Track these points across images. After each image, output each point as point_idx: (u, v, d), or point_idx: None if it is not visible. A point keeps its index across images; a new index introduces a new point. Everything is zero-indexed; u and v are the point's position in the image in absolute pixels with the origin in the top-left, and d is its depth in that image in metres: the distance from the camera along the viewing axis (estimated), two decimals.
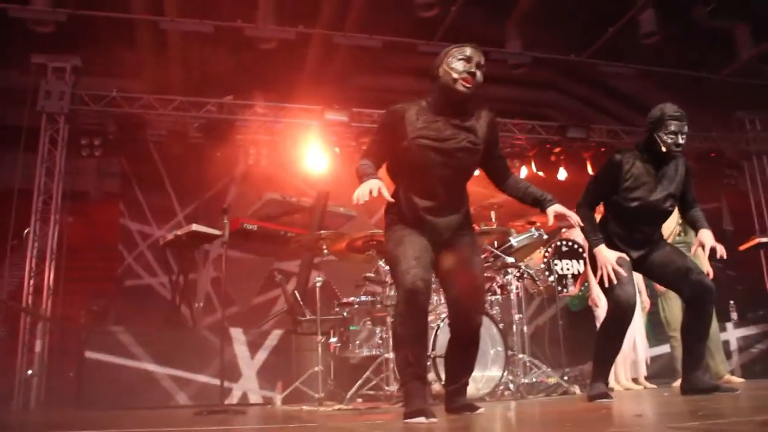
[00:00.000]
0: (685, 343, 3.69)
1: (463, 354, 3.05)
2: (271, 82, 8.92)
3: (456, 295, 2.98)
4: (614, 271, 3.51)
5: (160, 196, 8.25)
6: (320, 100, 8.24)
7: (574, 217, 3.14)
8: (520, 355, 5.02)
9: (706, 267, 5.68)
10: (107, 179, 8.78)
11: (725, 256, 3.62)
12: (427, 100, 2.97)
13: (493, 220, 6.00)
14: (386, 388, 4.78)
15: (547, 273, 5.63)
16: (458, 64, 2.85)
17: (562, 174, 8.76)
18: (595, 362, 3.70)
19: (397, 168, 3.03)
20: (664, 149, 3.52)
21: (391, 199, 2.83)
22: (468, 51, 2.89)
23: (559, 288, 5.82)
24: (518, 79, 9.68)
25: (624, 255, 3.58)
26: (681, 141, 3.52)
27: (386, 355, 4.83)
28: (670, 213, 3.74)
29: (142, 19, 7.94)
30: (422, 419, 2.59)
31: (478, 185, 8.74)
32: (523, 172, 8.75)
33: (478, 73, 2.87)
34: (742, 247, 7.70)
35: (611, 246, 3.64)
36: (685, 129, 3.53)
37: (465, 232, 3.06)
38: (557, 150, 8.77)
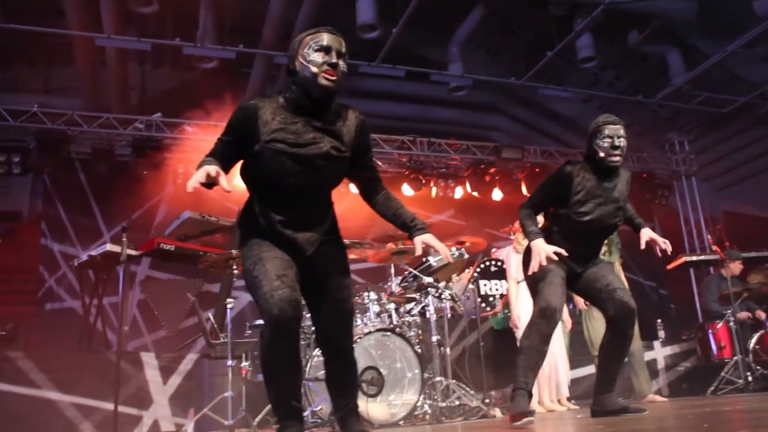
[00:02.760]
0: (601, 362, 3.62)
1: (339, 377, 2.77)
2: (213, 102, 8.79)
3: (323, 322, 2.70)
4: (546, 274, 3.37)
5: (85, 215, 7.99)
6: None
7: (444, 251, 2.76)
8: (438, 378, 4.90)
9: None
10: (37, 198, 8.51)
11: (669, 250, 3.58)
12: (285, 97, 2.57)
13: None
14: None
15: (470, 295, 5.53)
16: (316, 55, 2.49)
17: (497, 194, 8.78)
18: (519, 370, 3.40)
19: (250, 175, 2.64)
20: (602, 155, 3.46)
21: (229, 188, 2.40)
22: (325, 39, 2.53)
23: (484, 306, 5.75)
24: (460, 102, 9.77)
25: (562, 251, 3.39)
26: (618, 144, 3.45)
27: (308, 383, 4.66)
28: (617, 227, 3.67)
29: (76, 35, 7.75)
30: None
31: (410, 205, 8.69)
32: (458, 192, 8.74)
33: (341, 64, 2.53)
34: (670, 266, 7.78)
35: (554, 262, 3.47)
36: (621, 133, 3.48)
37: (330, 247, 2.72)
38: (492, 170, 8.78)
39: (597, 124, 3.55)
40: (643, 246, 3.62)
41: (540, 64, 8.63)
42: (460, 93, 9.06)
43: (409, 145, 8.72)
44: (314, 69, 2.48)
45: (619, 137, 3.46)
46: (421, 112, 9.93)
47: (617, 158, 3.47)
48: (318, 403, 4.60)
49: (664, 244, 3.58)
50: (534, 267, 3.38)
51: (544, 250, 3.35)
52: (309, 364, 4.70)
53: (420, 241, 2.72)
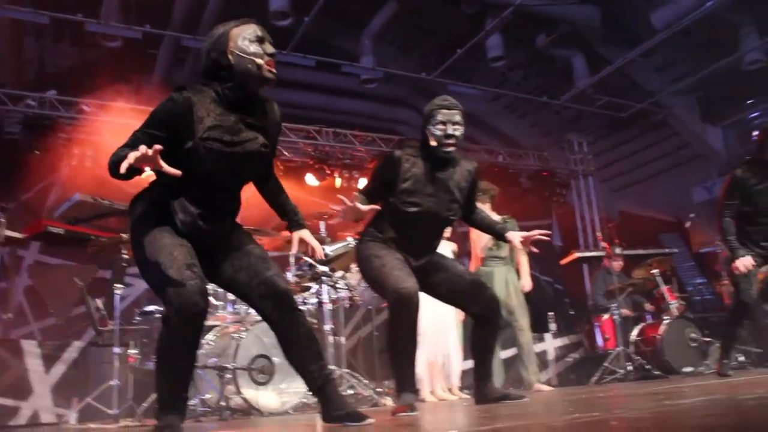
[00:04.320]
0: (475, 356, 3.55)
1: (294, 334, 2.57)
2: (117, 82, 8.45)
3: (247, 276, 2.57)
4: (384, 264, 3.12)
5: None
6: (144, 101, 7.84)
7: (318, 249, 2.79)
8: (331, 367, 4.90)
9: (526, 280, 5.86)
10: None
11: (546, 237, 3.41)
12: (216, 90, 2.47)
13: (323, 230, 5.90)
14: (190, 403, 4.51)
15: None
16: (255, 47, 2.44)
17: None
18: (394, 370, 3.24)
19: (172, 167, 2.45)
20: (434, 143, 3.19)
21: (177, 172, 2.25)
22: (258, 30, 2.47)
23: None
24: (370, 94, 9.80)
25: (377, 207, 3.15)
26: (452, 132, 3.19)
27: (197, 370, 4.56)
28: (452, 221, 3.49)
29: None
30: None
31: (312, 195, 8.64)
32: (362, 183, 8.75)
33: (274, 53, 2.48)
34: (563, 262, 8.09)
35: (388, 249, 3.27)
36: (457, 119, 3.21)
37: (233, 229, 2.69)
38: None
39: (432, 106, 3.26)
40: (519, 247, 3.44)
41: (450, 60, 8.79)
42: (370, 86, 9.10)
43: (315, 135, 8.69)
44: (259, 61, 2.44)
45: (454, 124, 3.20)
46: (330, 103, 9.91)
47: (450, 148, 3.22)
48: (206, 390, 4.53)
49: (540, 235, 3.41)
50: (336, 208, 3.07)
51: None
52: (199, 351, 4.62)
53: (297, 236, 2.75)
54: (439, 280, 3.40)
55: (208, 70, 2.50)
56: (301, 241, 2.77)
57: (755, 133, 4.60)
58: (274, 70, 2.46)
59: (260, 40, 2.47)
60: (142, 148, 2.15)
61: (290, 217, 2.79)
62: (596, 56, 9.45)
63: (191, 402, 4.41)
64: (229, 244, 2.63)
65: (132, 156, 2.14)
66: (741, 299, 4.49)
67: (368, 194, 3.30)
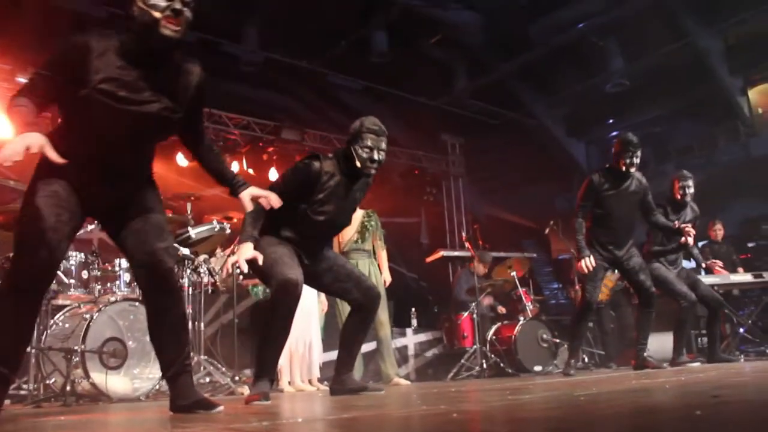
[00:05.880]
0: (344, 344, 3.69)
1: (169, 325, 2.52)
2: None
3: (134, 243, 2.49)
4: (277, 256, 3.21)
5: None
6: (10, 60, 7.21)
7: (274, 199, 2.77)
8: (191, 357, 4.76)
9: (386, 274, 5.95)
10: None
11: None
12: (121, 40, 2.32)
13: (189, 212, 5.71)
14: (30, 387, 4.22)
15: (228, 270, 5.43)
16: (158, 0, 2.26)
17: (273, 174, 8.64)
18: (259, 355, 3.27)
19: (68, 117, 2.39)
20: (359, 164, 3.35)
21: (61, 160, 2.16)
22: None
23: (246, 283, 5.72)
24: (249, 77, 9.56)
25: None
26: (377, 157, 3.36)
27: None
28: (347, 225, 3.76)
29: None
30: None
31: (182, 175, 8.27)
32: (234, 167, 8.52)
33: (186, 11, 2.29)
34: (429, 259, 8.32)
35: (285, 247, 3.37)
36: (383, 145, 3.39)
37: (142, 187, 2.58)
38: (270, 149, 8.70)
39: (362, 128, 3.40)
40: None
41: (332, 51, 8.77)
42: (250, 68, 8.90)
43: None
44: (156, 14, 2.26)
45: (380, 150, 3.38)
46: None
47: (373, 171, 3.42)
48: (51, 374, 4.25)
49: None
50: (231, 261, 3.39)
51: (242, 255, 3.17)
52: (45, 332, 4.33)
53: (248, 195, 2.69)
54: (322, 271, 3.58)
55: (124, 20, 2.40)
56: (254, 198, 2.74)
57: (614, 142, 5.02)
58: (174, 28, 2.27)
59: None
60: (20, 147, 2.07)
61: (231, 182, 2.71)
62: (475, 62, 9.76)
63: (31, 386, 4.13)
64: (132, 200, 2.53)
65: (10, 153, 2.05)
66: (585, 299, 4.91)
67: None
